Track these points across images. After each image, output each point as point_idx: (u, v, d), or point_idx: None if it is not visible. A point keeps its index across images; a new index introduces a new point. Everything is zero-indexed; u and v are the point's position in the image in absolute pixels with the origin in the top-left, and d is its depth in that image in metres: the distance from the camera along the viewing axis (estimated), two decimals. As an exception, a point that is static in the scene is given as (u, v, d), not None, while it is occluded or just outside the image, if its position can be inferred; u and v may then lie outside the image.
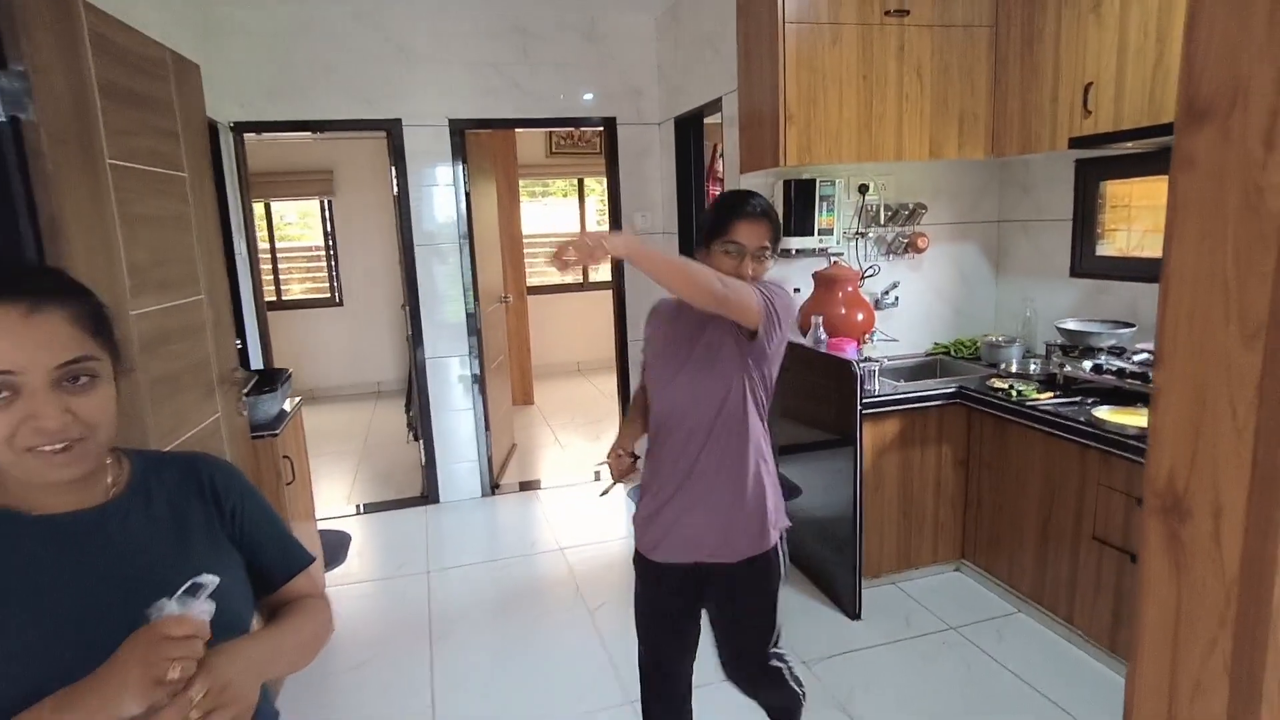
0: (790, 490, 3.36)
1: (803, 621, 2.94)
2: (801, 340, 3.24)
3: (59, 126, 1.58)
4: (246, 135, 3.81)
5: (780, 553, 1.81)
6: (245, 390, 2.47)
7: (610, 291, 4.59)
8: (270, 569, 1.03)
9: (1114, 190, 3.04)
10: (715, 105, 3.52)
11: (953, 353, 3.47)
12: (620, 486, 1.80)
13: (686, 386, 1.71)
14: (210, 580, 0.80)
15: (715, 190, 4.47)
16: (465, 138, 4.06)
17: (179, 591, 0.79)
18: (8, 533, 0.83)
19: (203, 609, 0.79)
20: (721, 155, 4.01)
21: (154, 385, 1.90)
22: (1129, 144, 2.62)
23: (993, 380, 2.99)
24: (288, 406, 2.85)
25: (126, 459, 0.96)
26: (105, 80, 1.77)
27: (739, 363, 1.68)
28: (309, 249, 7.24)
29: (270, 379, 2.79)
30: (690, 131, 4.01)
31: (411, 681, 2.67)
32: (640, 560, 1.87)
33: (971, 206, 3.54)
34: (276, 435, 2.60)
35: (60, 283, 0.86)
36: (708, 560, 1.75)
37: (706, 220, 1.74)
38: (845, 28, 2.86)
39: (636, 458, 1.82)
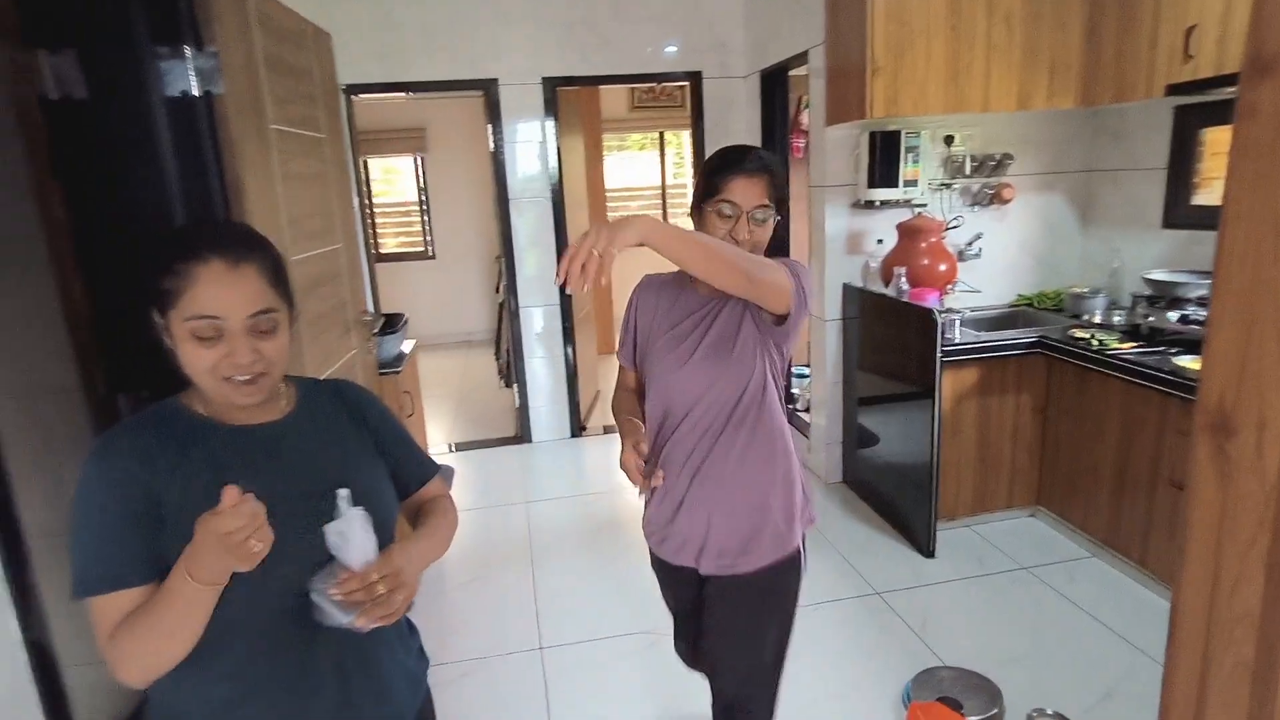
0: (867, 439, 3.50)
1: (878, 556, 3.11)
2: (884, 290, 3.33)
3: (238, 97, 1.83)
4: (354, 96, 4.08)
5: (803, 554, 1.63)
6: (375, 331, 2.77)
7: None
8: (408, 476, 1.24)
9: (1215, 137, 2.98)
10: (801, 58, 3.58)
11: (1036, 304, 3.50)
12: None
13: (699, 374, 1.50)
14: (344, 492, 1.00)
15: (800, 143, 4.52)
16: (557, 94, 4.24)
17: (339, 505, 0.99)
18: (210, 437, 1.04)
19: (357, 510, 0.99)
20: (807, 108, 4.06)
21: (308, 324, 2.19)
22: (1230, 89, 2.59)
23: (1074, 330, 3.03)
24: (405, 348, 3.16)
25: (291, 384, 1.17)
26: (267, 53, 2.02)
27: (760, 345, 1.50)
28: (403, 204, 7.62)
29: (391, 322, 3.09)
30: (776, 85, 4.07)
31: (518, 595, 2.98)
32: (657, 563, 1.73)
33: (1059, 157, 3.52)
34: (399, 372, 2.91)
35: (254, 240, 1.04)
36: (726, 572, 1.57)
37: (698, 180, 1.55)
38: (935, -23, 2.87)
39: (648, 460, 1.54)
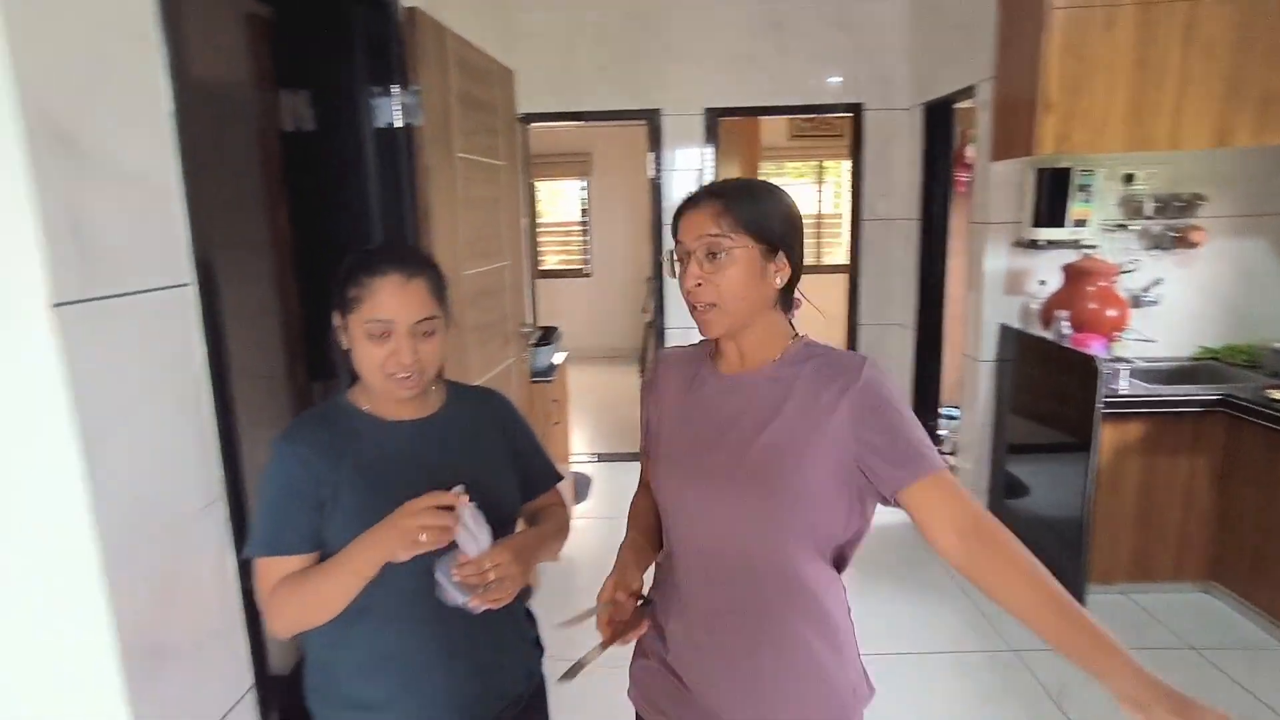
0: (1016, 488, 3.32)
1: (1018, 614, 2.93)
2: (1043, 334, 3.17)
3: (432, 130, 2.09)
4: (529, 125, 4.42)
5: None
6: (532, 342, 3.00)
7: (843, 275, 4.69)
8: (533, 481, 1.37)
9: None
10: (968, 92, 3.49)
11: (1222, 358, 3.18)
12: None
13: (715, 508, 1.12)
14: (459, 488, 1.08)
15: (963, 177, 4.37)
16: (718, 123, 4.38)
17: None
18: (367, 430, 1.19)
19: (471, 505, 1.10)
20: (972, 142, 3.94)
21: (474, 332, 2.42)
22: None
23: (1273, 391, 2.73)
24: (557, 359, 3.38)
25: (443, 385, 1.32)
26: (459, 90, 2.29)
27: (838, 495, 1.08)
28: (565, 224, 8.08)
29: (546, 335, 3.32)
30: (940, 117, 3.99)
31: (642, 604, 3.08)
32: None
33: (1264, 197, 3.19)
34: (550, 382, 3.12)
35: (425, 261, 1.20)
36: None
37: None
38: (1122, 9, 2.72)
39: (648, 602, 1.21)
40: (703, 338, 1.18)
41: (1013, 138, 3.00)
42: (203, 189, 1.17)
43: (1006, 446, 3.38)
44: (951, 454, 3.91)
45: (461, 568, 1.09)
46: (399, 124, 2.00)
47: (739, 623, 1.13)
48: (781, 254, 1.11)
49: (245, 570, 1.17)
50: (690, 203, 1.13)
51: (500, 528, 1.17)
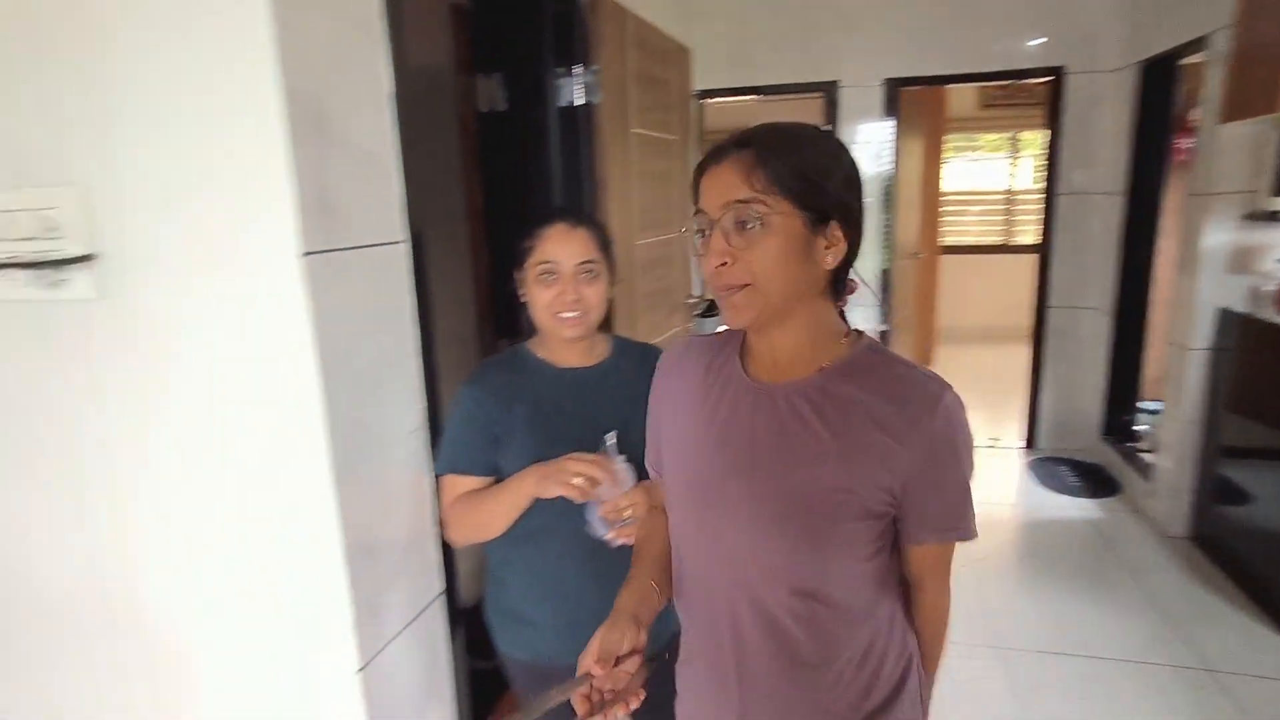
0: (1232, 495, 2.96)
1: (1220, 628, 2.63)
2: (1276, 319, 2.78)
3: (609, 107, 2.22)
4: (704, 101, 4.48)
5: None
6: (697, 313, 3.08)
7: (1033, 256, 4.35)
8: None
9: None
10: (1196, 45, 3.10)
11: None
12: None
13: (740, 545, 0.92)
14: (611, 436, 1.24)
15: (1184, 144, 3.89)
16: (899, 95, 4.20)
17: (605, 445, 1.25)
18: (539, 375, 1.36)
19: (617, 454, 1.25)
20: (1200, 103, 3.50)
21: (644, 299, 2.55)
22: None
23: None
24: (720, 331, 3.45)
25: (608, 339, 1.45)
26: (636, 69, 2.39)
27: (876, 529, 0.90)
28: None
29: (711, 307, 3.39)
30: (1158, 77, 3.57)
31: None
32: None
33: None
34: (713, 353, 3.20)
35: (589, 217, 1.41)
36: None
37: None
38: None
39: (654, 661, 0.99)
40: (727, 327, 0.95)
41: (1254, 93, 2.64)
42: (413, 162, 1.35)
43: (1219, 448, 3.02)
44: (1150, 452, 3.55)
45: (604, 505, 1.24)
46: (580, 102, 2.14)
47: (783, 706, 0.94)
48: (835, 223, 0.86)
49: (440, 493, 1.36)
50: (714, 157, 0.87)
51: (648, 474, 1.28)
